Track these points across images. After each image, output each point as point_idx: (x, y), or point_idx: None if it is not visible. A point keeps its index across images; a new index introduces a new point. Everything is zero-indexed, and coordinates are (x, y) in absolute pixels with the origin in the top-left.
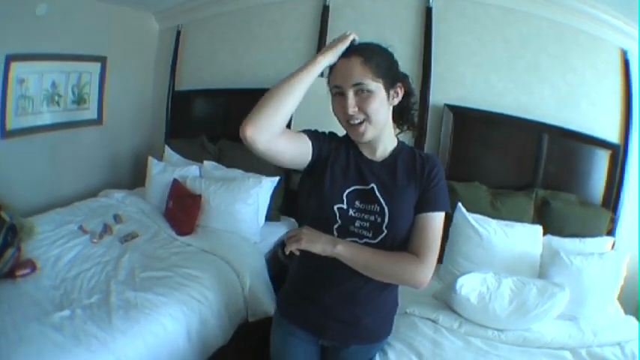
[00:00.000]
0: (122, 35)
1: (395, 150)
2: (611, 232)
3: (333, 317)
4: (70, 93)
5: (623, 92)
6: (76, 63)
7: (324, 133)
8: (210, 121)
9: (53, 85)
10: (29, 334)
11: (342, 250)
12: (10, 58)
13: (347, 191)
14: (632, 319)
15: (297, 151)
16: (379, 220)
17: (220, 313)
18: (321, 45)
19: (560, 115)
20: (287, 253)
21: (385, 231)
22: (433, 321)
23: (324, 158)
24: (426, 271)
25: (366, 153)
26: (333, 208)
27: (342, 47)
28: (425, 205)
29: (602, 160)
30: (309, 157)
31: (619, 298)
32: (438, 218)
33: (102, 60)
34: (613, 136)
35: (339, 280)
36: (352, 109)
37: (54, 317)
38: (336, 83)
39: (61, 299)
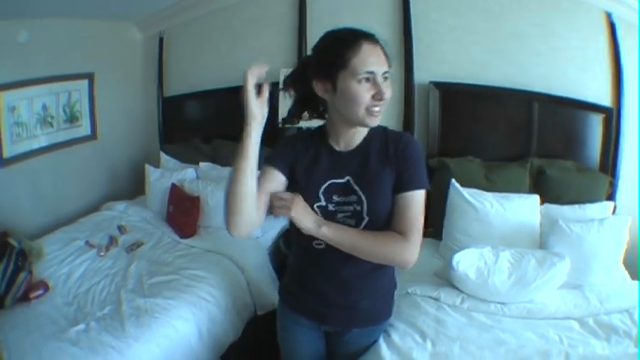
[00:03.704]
0: (106, 49)
1: (367, 135)
2: (611, 197)
3: (330, 304)
4: (61, 113)
5: (612, 55)
6: (63, 83)
7: (287, 144)
8: (203, 123)
9: (44, 107)
10: (48, 351)
11: (327, 231)
12: None
13: (322, 188)
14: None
15: (275, 190)
16: (359, 208)
17: (229, 310)
18: (301, 36)
19: (548, 83)
20: (277, 216)
21: (367, 217)
22: (435, 299)
23: (295, 166)
24: (412, 248)
25: (338, 145)
26: (313, 208)
27: (252, 99)
28: (403, 185)
29: (596, 125)
30: (285, 179)
31: (624, 264)
32: (417, 196)
33: (89, 76)
34: (605, 99)
35: (332, 268)
36: (388, 94)
37: (70, 332)
38: (371, 69)
39: (75, 314)
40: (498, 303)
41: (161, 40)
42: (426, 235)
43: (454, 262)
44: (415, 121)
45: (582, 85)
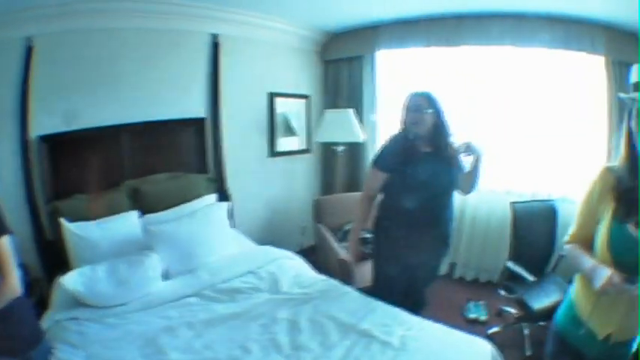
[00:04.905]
0: None
1: None
2: (218, 190)
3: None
4: None
5: (211, 71)
6: None
7: None
8: None
9: None
10: None
11: None
12: None
13: None
14: (269, 248)
15: None
16: None
17: None
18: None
19: (145, 111)
20: None
21: None
22: (75, 318)
23: None
24: (9, 286)
25: None
26: None
27: None
28: None
29: (192, 135)
30: None
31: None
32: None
33: None
34: (202, 111)
35: None
36: None
37: None
38: None
39: None
40: (121, 305)
41: None
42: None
43: (63, 285)
44: (35, 174)
45: (181, 103)
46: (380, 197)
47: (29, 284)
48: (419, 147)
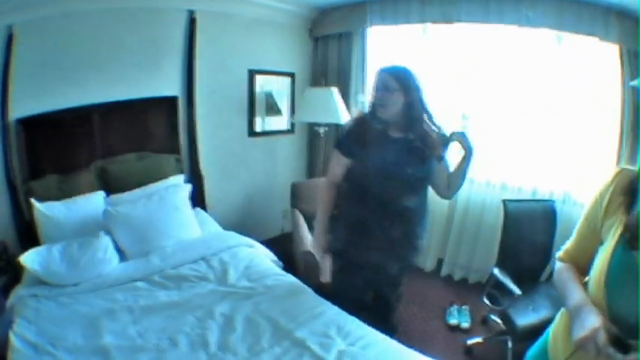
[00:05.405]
0: None
1: None
2: (190, 171)
3: None
4: None
5: (187, 49)
6: None
7: None
8: None
9: None
10: None
11: None
12: None
13: None
14: (229, 234)
15: None
16: None
17: None
18: None
19: (118, 91)
20: None
21: None
22: (35, 295)
23: None
24: None
25: None
26: None
27: None
28: None
29: (164, 114)
30: None
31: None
32: None
33: None
34: (176, 89)
35: None
36: None
37: None
38: None
39: None
40: (74, 285)
41: None
42: None
43: (23, 262)
44: (14, 155)
45: (154, 82)
46: (342, 185)
47: (7, 261)
48: (387, 131)
